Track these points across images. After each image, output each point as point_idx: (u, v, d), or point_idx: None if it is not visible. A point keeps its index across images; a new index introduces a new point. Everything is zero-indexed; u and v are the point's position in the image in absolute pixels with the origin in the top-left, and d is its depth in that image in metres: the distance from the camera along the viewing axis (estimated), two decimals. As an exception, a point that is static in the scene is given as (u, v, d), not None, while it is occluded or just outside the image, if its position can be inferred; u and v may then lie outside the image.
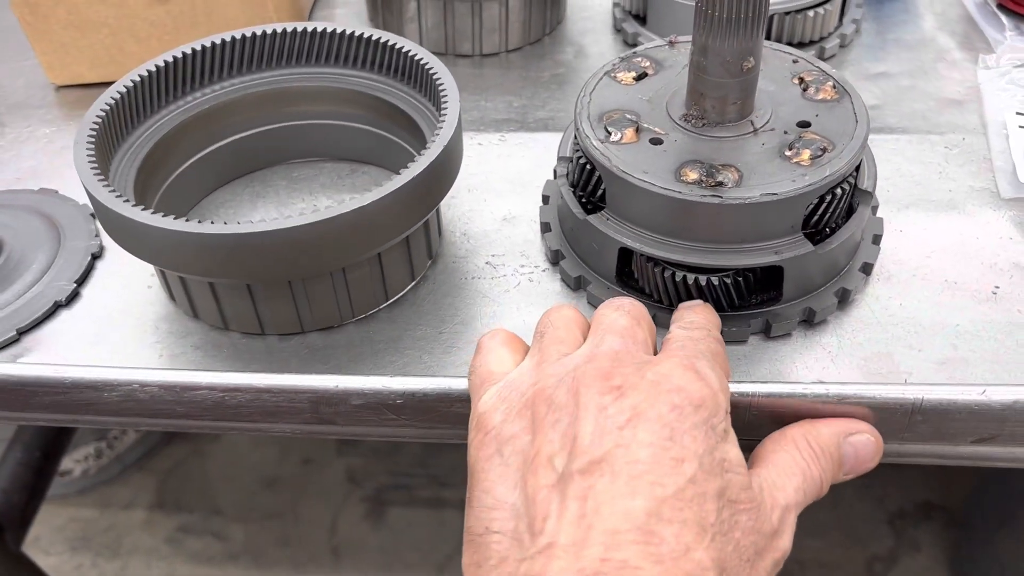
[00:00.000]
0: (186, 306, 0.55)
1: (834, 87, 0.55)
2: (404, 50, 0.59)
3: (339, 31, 0.61)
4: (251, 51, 0.61)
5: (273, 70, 0.62)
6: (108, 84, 0.76)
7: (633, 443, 0.37)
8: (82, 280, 0.58)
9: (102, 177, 0.50)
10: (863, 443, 0.47)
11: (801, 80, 0.55)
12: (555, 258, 0.58)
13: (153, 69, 0.58)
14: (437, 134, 0.53)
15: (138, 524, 1.64)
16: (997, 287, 0.55)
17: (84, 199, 0.64)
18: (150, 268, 0.59)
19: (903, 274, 0.56)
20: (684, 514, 0.35)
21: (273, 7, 0.73)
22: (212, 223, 0.47)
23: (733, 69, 0.50)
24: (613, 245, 0.53)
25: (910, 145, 0.65)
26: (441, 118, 0.54)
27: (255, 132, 0.64)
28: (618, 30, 0.81)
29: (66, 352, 0.54)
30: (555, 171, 0.63)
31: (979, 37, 0.76)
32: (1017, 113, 0.65)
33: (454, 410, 0.51)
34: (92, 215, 0.63)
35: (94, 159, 0.52)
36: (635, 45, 0.79)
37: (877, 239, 0.56)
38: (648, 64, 0.58)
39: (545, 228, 0.59)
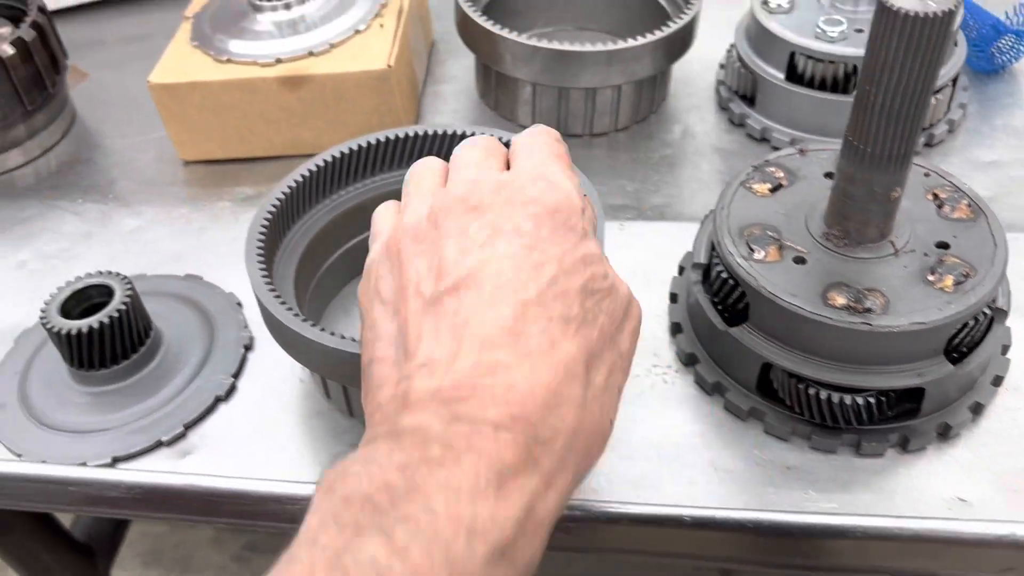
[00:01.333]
0: (342, 405, 0.58)
1: (969, 206, 0.56)
2: None
3: (463, 133, 0.63)
4: (398, 152, 0.64)
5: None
6: (236, 161, 0.80)
7: (494, 257, 0.39)
8: (237, 373, 0.61)
9: (277, 294, 0.53)
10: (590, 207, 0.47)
11: (935, 196, 0.57)
12: (689, 361, 0.60)
13: (307, 174, 0.61)
14: None
15: (207, 541, 1.69)
16: None
17: (229, 287, 0.67)
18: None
19: (1032, 385, 0.58)
20: (548, 311, 0.38)
21: (398, 91, 0.75)
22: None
23: (880, 198, 0.52)
24: (756, 359, 0.55)
25: (1029, 241, 0.67)
26: None
27: None
28: (723, 108, 0.83)
29: (230, 449, 0.57)
30: (680, 267, 0.65)
31: (1089, 122, 0.77)
32: None
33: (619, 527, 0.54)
34: (239, 304, 0.66)
35: (266, 271, 0.55)
36: (742, 125, 0.81)
37: (1006, 349, 0.58)
38: (782, 175, 0.60)
39: (675, 329, 0.62)
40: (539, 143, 0.46)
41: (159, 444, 0.57)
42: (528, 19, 0.89)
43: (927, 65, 0.45)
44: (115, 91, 0.91)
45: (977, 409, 0.55)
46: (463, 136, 0.63)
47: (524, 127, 0.82)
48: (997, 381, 0.57)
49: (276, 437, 0.58)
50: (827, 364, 0.52)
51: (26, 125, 0.82)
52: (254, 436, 0.58)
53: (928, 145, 0.77)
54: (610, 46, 0.74)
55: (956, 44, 0.77)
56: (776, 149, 0.78)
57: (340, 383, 0.55)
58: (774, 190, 0.59)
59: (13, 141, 0.82)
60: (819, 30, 0.74)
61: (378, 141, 0.63)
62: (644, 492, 0.54)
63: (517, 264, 0.39)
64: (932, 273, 0.53)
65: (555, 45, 0.74)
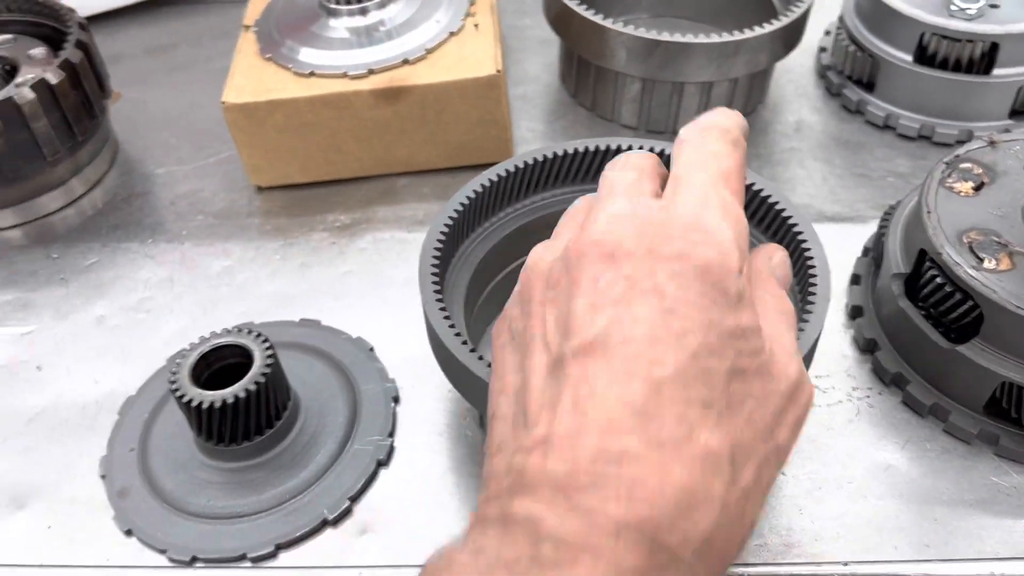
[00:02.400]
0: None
1: None
2: (758, 190, 0.53)
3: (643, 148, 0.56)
4: (575, 166, 0.57)
5: (579, 185, 0.58)
6: (316, 185, 0.72)
7: (628, 319, 0.33)
8: (392, 431, 0.54)
9: (464, 340, 0.46)
10: (782, 260, 0.42)
11: None
12: (896, 381, 0.55)
13: (480, 189, 0.54)
14: (814, 291, 0.46)
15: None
16: None
17: (354, 330, 0.60)
18: (461, 403, 0.55)
19: None
20: (687, 392, 0.32)
21: (504, 99, 0.68)
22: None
23: None
24: (991, 378, 0.50)
25: None
26: (811, 297, 0.47)
27: None
28: (835, 95, 0.78)
29: (408, 521, 0.50)
30: (855, 276, 0.60)
31: None
32: None
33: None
34: (371, 350, 0.59)
35: (445, 311, 0.47)
36: (859, 112, 0.76)
37: None
38: (980, 171, 0.55)
39: (870, 346, 0.56)
40: (707, 157, 0.38)
41: (324, 523, 0.50)
42: (603, 5, 0.82)
43: None
44: (154, 111, 0.82)
45: None
46: (660, 154, 0.56)
47: (628, 128, 0.76)
48: None
49: (450, 502, 0.51)
50: (1081, 380, 0.48)
51: (71, 160, 0.72)
52: (428, 504, 0.51)
53: (1064, 123, 0.73)
54: (736, 36, 0.68)
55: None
56: (905, 137, 0.73)
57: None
58: (977, 188, 0.54)
59: (56, 179, 0.72)
60: (954, 7, 0.69)
61: (556, 155, 0.56)
62: (898, 539, 0.48)
63: (654, 332, 0.33)
64: None
65: (677, 38, 0.67)
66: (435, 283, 0.48)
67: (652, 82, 0.72)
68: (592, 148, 0.56)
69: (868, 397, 0.55)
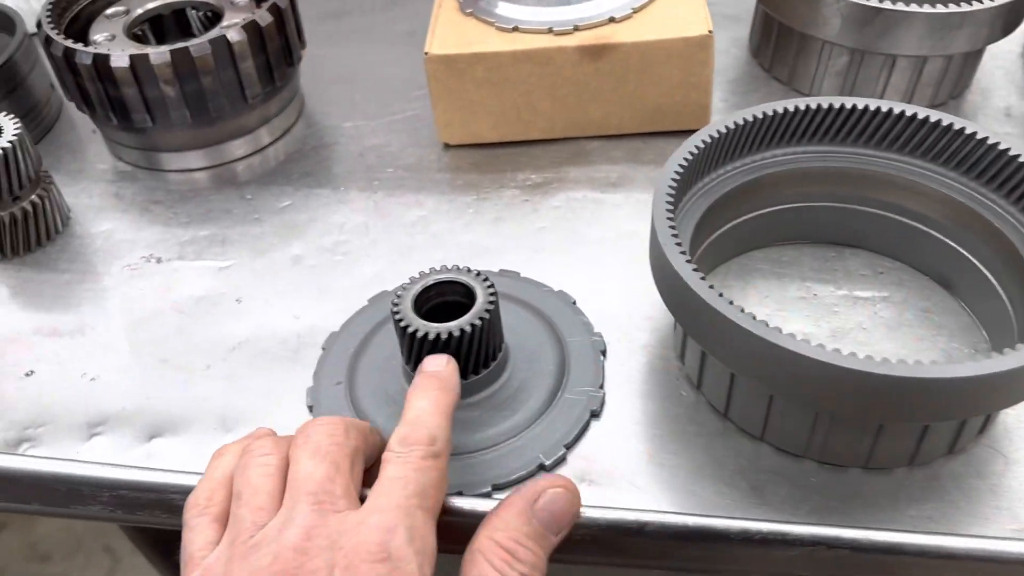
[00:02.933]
0: (748, 420, 0.49)
1: None
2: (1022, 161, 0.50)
3: (899, 112, 0.53)
4: (815, 124, 0.55)
5: (824, 145, 0.56)
6: (504, 145, 0.71)
7: None
8: (602, 383, 0.53)
9: (695, 267, 0.44)
10: (552, 499, 0.42)
11: None
12: None
13: (732, 126, 0.53)
14: None
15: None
16: None
17: (555, 283, 0.59)
18: (671, 362, 0.53)
19: None
20: None
21: (712, 64, 0.66)
22: (868, 357, 0.40)
23: None
24: None
25: None
26: None
27: (786, 208, 0.58)
28: (1047, 80, 0.73)
29: (621, 474, 0.49)
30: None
31: None
32: None
33: None
34: (574, 303, 0.57)
35: (684, 252, 0.45)
36: (1077, 99, 0.71)
37: None
38: None
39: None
40: (408, 474, 0.40)
41: (540, 468, 0.49)
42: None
43: None
44: (338, 69, 0.83)
45: None
46: (900, 116, 0.53)
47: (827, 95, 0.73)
48: None
49: (666, 459, 0.49)
50: None
51: (263, 107, 0.73)
52: (641, 459, 0.49)
53: None
54: (963, 7, 0.64)
55: None
56: None
57: (785, 402, 0.46)
58: None
59: (249, 125, 0.73)
60: None
61: (798, 108, 0.54)
62: None
63: None
64: None
65: (900, 6, 0.64)
66: (671, 223, 0.47)
67: (862, 54, 0.69)
68: (817, 106, 0.54)
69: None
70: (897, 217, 0.56)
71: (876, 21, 0.65)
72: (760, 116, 0.54)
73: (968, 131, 0.52)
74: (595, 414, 0.51)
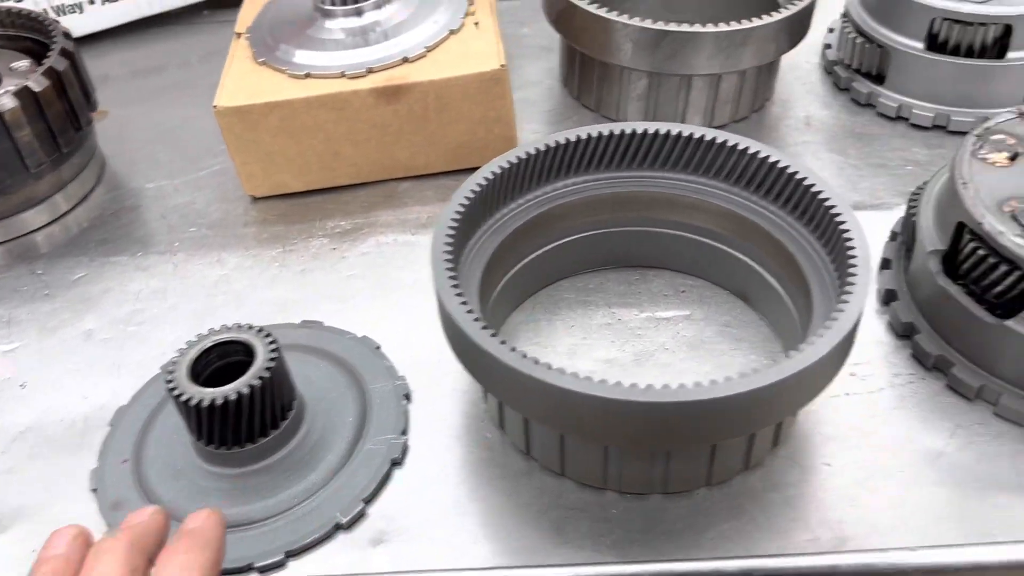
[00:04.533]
0: (520, 441, 0.48)
1: None
2: (792, 173, 0.51)
3: (708, 138, 0.53)
4: (600, 151, 0.55)
5: (606, 172, 0.56)
6: (313, 193, 0.69)
7: None
8: (405, 430, 0.51)
9: (492, 332, 0.43)
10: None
11: None
12: (939, 365, 0.52)
13: (499, 170, 0.51)
14: (853, 273, 0.44)
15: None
16: None
17: (359, 330, 0.56)
18: (478, 404, 0.52)
19: None
20: None
21: (510, 96, 0.66)
22: (634, 386, 0.40)
23: None
24: (1046, 350, 0.47)
25: None
26: (849, 248, 0.46)
27: (578, 238, 0.57)
28: (843, 89, 0.76)
29: (427, 527, 0.46)
30: (885, 260, 0.57)
31: None
32: None
33: None
34: (377, 348, 0.55)
35: (461, 295, 0.44)
36: (870, 105, 0.74)
37: None
38: (1014, 141, 0.52)
39: (907, 330, 0.53)
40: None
41: (337, 528, 0.46)
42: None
43: None
44: (142, 128, 0.79)
45: None
46: (679, 137, 0.54)
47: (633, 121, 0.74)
48: None
49: (469, 505, 0.47)
50: None
51: (54, 175, 0.69)
52: (447, 506, 0.47)
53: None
54: (745, 25, 0.66)
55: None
56: (919, 127, 0.71)
57: (558, 432, 0.45)
58: (1013, 158, 0.52)
59: (40, 194, 0.69)
60: (964, -9, 0.68)
61: (581, 137, 0.54)
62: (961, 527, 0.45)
63: None
64: None
65: (685, 27, 0.66)
66: (449, 267, 0.45)
67: (659, 76, 0.70)
68: (598, 134, 0.54)
69: (911, 383, 0.52)
70: (690, 236, 0.57)
71: (664, 44, 0.66)
72: (543, 148, 0.53)
73: (741, 147, 0.53)
74: (397, 462, 0.49)
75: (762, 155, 0.52)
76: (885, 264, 0.57)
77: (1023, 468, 0.47)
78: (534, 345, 0.55)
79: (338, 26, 0.69)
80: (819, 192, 0.49)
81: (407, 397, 0.52)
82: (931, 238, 0.52)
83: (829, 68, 0.78)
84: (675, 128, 0.54)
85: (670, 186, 0.55)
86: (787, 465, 0.48)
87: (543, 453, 0.48)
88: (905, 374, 0.52)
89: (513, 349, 0.41)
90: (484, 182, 0.51)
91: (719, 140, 0.53)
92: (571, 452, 0.46)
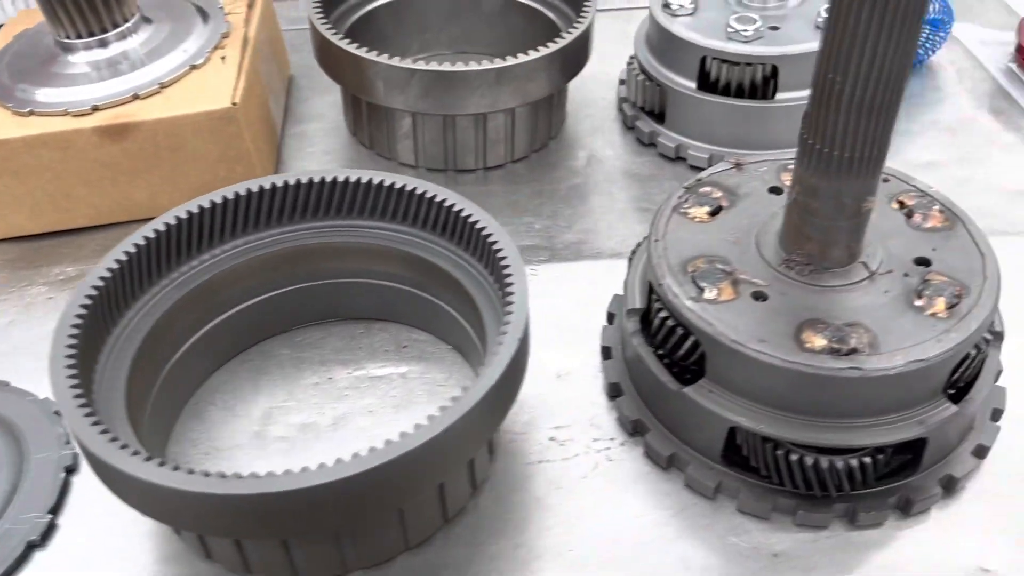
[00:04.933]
0: (196, 545, 0.44)
1: (942, 212, 0.47)
2: (442, 201, 0.50)
3: (352, 180, 0.51)
4: (257, 208, 0.51)
5: (276, 228, 0.52)
6: (51, 235, 0.65)
7: None
8: (56, 508, 0.47)
9: (96, 422, 0.39)
10: None
11: (902, 204, 0.48)
12: (636, 430, 0.49)
13: (140, 243, 0.48)
14: (507, 325, 0.42)
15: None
16: None
17: (44, 391, 0.52)
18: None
19: (1033, 414, 0.49)
20: None
21: (248, 134, 0.63)
22: (239, 477, 0.36)
23: (850, 211, 0.42)
24: (719, 423, 0.44)
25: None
26: (508, 301, 0.44)
27: (259, 300, 0.53)
28: (629, 127, 0.73)
29: (47, 617, 0.43)
30: (610, 315, 0.55)
31: (1021, 112, 0.71)
32: (1097, 206, 0.60)
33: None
34: (57, 414, 0.51)
35: (77, 384, 0.41)
36: (652, 144, 0.71)
37: (998, 376, 0.49)
38: (720, 195, 0.50)
39: (614, 391, 0.51)
40: None
41: (-53, 624, 0.42)
42: (399, 45, 0.78)
43: (906, 37, 0.36)
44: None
45: (981, 452, 0.46)
46: (334, 183, 0.51)
47: (407, 166, 0.71)
48: (996, 415, 0.48)
49: (113, 592, 0.44)
50: (809, 422, 0.42)
51: None
52: (82, 596, 0.44)
53: (859, 150, 0.69)
54: (498, 63, 0.63)
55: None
56: (695, 168, 0.69)
57: (185, 529, 0.41)
58: (714, 213, 0.49)
59: None
60: (731, 30, 0.65)
61: (228, 198, 0.50)
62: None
63: None
64: (919, 296, 0.43)
65: (434, 66, 0.63)
66: (71, 354, 0.42)
67: (422, 116, 0.67)
68: (286, 184, 0.51)
69: (608, 449, 0.49)
70: (382, 283, 0.54)
71: (414, 83, 0.63)
72: (196, 210, 0.50)
73: (420, 191, 0.50)
74: (34, 545, 0.45)
75: (437, 198, 0.50)
76: (610, 318, 0.55)
77: (700, 546, 0.44)
78: (224, 411, 0.51)
79: (82, 60, 0.65)
80: (489, 235, 0.47)
81: (70, 470, 0.48)
82: (632, 296, 0.50)
83: (620, 105, 0.76)
84: (342, 173, 0.51)
85: (357, 234, 0.52)
86: (458, 543, 0.44)
87: (222, 556, 0.44)
88: (606, 439, 0.49)
89: (124, 446, 0.37)
90: (119, 261, 0.47)
91: (395, 184, 0.51)
92: (250, 549, 0.42)
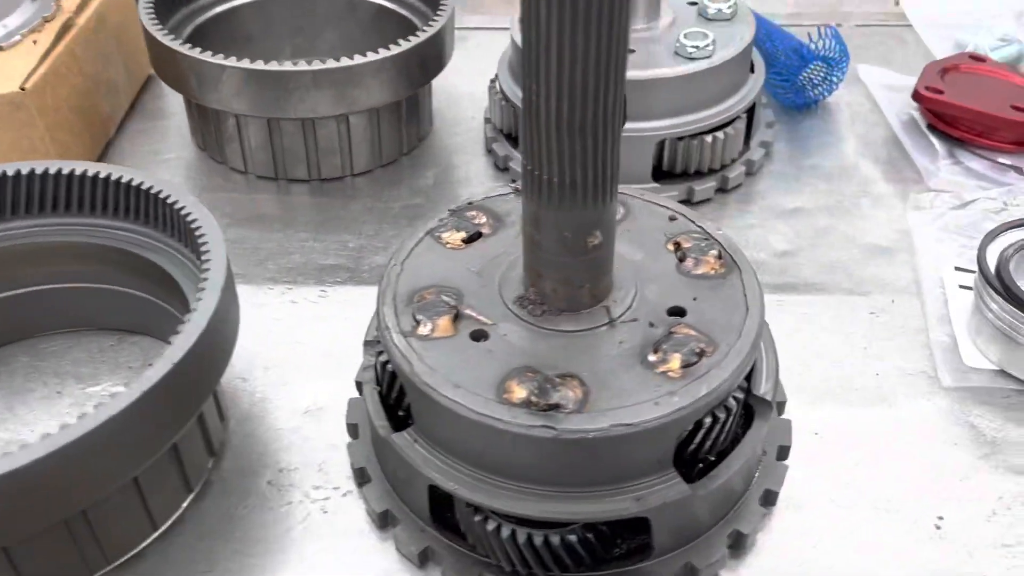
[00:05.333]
0: None
1: (719, 257, 0.41)
2: (148, 189, 0.45)
3: (53, 171, 0.47)
4: None
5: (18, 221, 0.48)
6: None
7: None
8: None
9: None
10: None
11: (677, 246, 0.42)
12: (360, 479, 0.43)
13: None
14: (194, 310, 0.39)
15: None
16: (941, 518, 0.42)
17: None
18: None
19: (818, 501, 0.42)
20: None
21: (43, 123, 0.58)
22: None
23: (574, 246, 0.36)
24: (421, 480, 0.38)
25: (828, 308, 0.53)
26: (201, 285, 0.40)
27: None
28: (489, 151, 0.68)
29: None
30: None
31: (908, 164, 0.65)
32: (957, 269, 0.53)
33: None
34: None
35: None
36: (506, 170, 0.66)
37: (784, 452, 0.43)
38: (484, 220, 0.44)
39: (354, 431, 0.45)
40: None
41: None
42: (268, 49, 0.73)
43: (603, 40, 0.30)
44: None
45: (738, 541, 0.40)
46: (57, 175, 0.46)
47: (236, 171, 0.66)
48: (769, 498, 0.41)
49: None
50: (510, 487, 0.36)
51: None
52: None
53: (722, 190, 0.63)
54: (318, 65, 0.58)
55: (752, 69, 0.64)
56: (541, 196, 0.63)
57: None
58: (470, 240, 0.43)
59: None
60: (580, 49, 0.60)
61: None
62: None
63: None
64: (655, 352, 0.37)
65: (245, 63, 0.58)
66: None
67: (245, 118, 0.62)
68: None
69: (327, 499, 0.43)
70: (132, 292, 0.49)
71: (229, 81, 0.58)
72: None
73: (104, 175, 0.45)
74: None
75: (119, 179, 0.45)
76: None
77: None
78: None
79: None
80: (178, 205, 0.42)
81: None
82: (372, 325, 0.44)
83: (485, 126, 0.70)
84: (67, 165, 0.46)
85: (87, 234, 0.48)
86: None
87: None
88: (329, 487, 0.43)
89: None
90: None
91: (88, 172, 0.46)
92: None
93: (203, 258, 0.41)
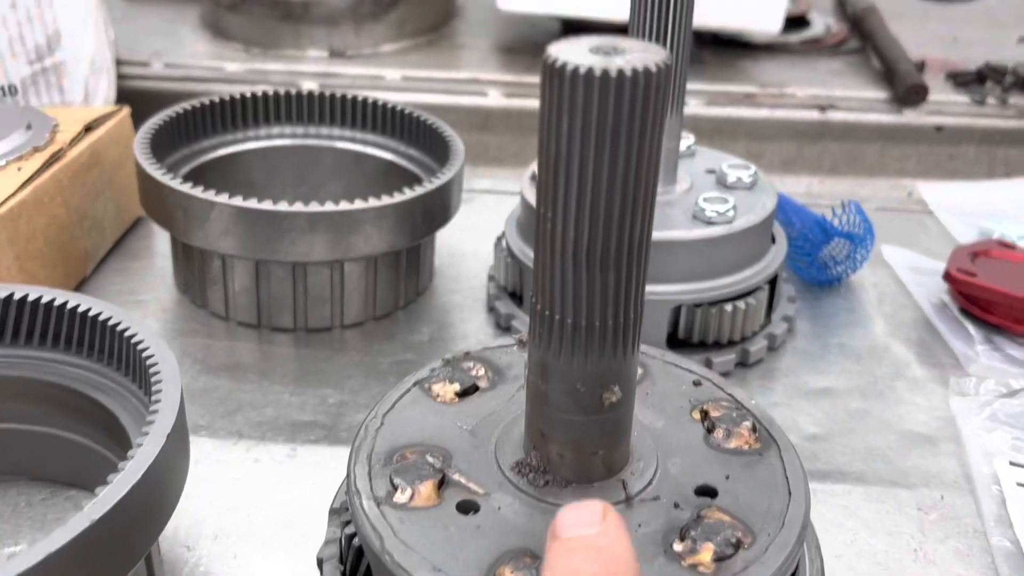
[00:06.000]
0: None
1: (753, 430, 0.35)
2: (100, 317, 0.40)
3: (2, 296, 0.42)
4: None
5: None
6: None
7: None
8: None
9: None
10: None
11: (705, 415, 0.36)
12: None
13: None
14: (130, 457, 0.33)
15: None
16: None
17: None
18: None
19: None
20: None
21: (14, 254, 0.54)
22: None
23: (588, 403, 0.31)
24: None
25: (869, 501, 0.46)
26: (145, 429, 0.34)
27: None
28: (491, 309, 0.63)
29: None
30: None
31: (942, 348, 0.60)
32: (1012, 464, 0.47)
33: None
34: None
35: None
36: (508, 329, 0.61)
37: (829, 674, 0.35)
38: (482, 373, 0.39)
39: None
40: None
41: None
42: (269, 196, 0.70)
43: (625, 159, 0.26)
44: None
45: None
46: (7, 300, 0.41)
47: (217, 316, 0.61)
48: None
49: None
50: None
51: None
52: None
53: (743, 364, 0.58)
54: (315, 207, 0.55)
55: (774, 240, 0.61)
56: (545, 360, 0.58)
57: None
58: (464, 394, 0.38)
59: None
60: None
61: None
62: None
63: None
64: (682, 540, 0.30)
65: (237, 201, 0.54)
66: None
67: (232, 259, 0.58)
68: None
69: None
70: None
71: (218, 218, 0.54)
72: None
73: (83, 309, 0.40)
74: None
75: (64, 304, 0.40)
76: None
77: None
78: None
79: None
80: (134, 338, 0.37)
81: None
82: (341, 491, 0.38)
83: (488, 283, 0.66)
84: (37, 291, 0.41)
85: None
86: None
87: None
88: None
89: None
90: None
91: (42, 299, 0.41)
92: None
93: (153, 399, 0.35)
